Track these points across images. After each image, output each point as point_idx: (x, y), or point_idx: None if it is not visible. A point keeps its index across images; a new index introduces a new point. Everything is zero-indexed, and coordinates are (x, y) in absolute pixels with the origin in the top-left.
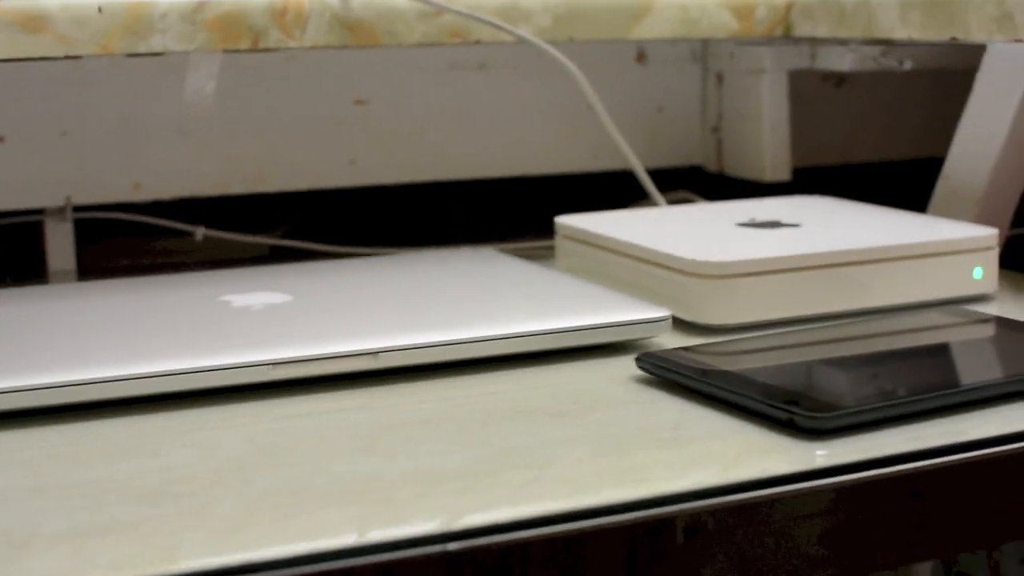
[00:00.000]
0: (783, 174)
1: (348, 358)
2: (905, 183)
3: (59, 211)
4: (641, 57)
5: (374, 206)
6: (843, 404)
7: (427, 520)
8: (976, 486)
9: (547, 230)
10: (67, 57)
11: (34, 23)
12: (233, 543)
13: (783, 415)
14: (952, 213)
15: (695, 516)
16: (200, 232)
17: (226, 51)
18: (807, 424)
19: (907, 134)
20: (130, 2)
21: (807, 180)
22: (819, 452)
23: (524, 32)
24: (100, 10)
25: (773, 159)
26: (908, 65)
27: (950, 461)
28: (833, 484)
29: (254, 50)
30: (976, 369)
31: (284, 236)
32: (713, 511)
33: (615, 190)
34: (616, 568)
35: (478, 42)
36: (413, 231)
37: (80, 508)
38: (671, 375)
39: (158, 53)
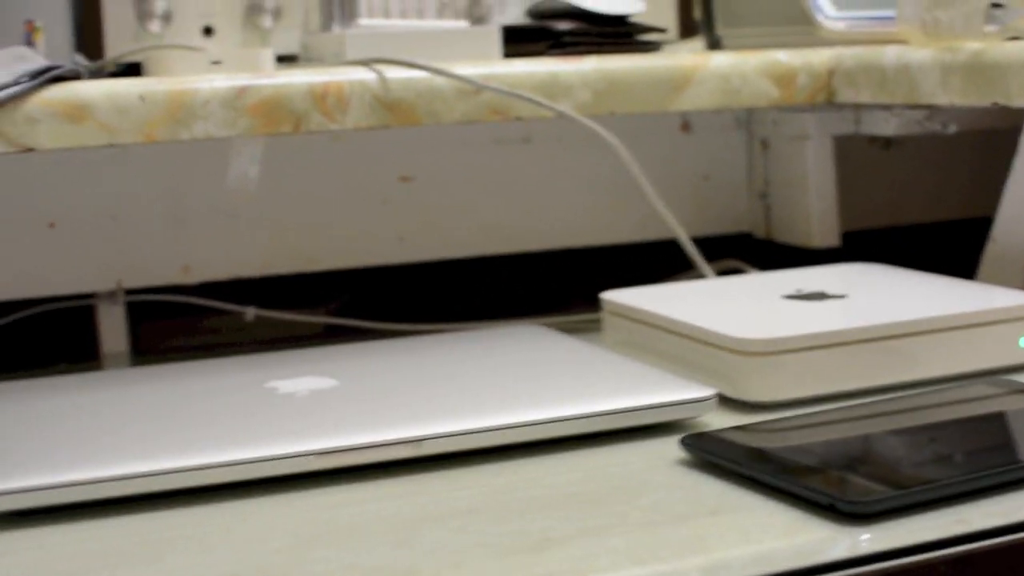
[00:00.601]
0: (831, 239)
1: (390, 447)
2: (956, 243)
3: (111, 295)
4: (686, 126)
5: (423, 281)
6: (888, 487)
7: None
8: None
9: (595, 302)
10: (111, 145)
11: (77, 112)
12: None
13: (824, 499)
14: (1001, 276)
15: None
16: (251, 312)
17: (269, 135)
18: (849, 509)
19: (957, 194)
20: (171, 90)
21: (857, 243)
22: (863, 537)
23: (564, 107)
24: (142, 99)
25: (820, 225)
26: (953, 128)
27: (999, 543)
28: (877, 571)
29: (296, 133)
30: None
31: (335, 314)
32: None
33: (664, 260)
34: None
35: (519, 119)
36: (463, 305)
37: None
38: (713, 458)
39: (201, 139)
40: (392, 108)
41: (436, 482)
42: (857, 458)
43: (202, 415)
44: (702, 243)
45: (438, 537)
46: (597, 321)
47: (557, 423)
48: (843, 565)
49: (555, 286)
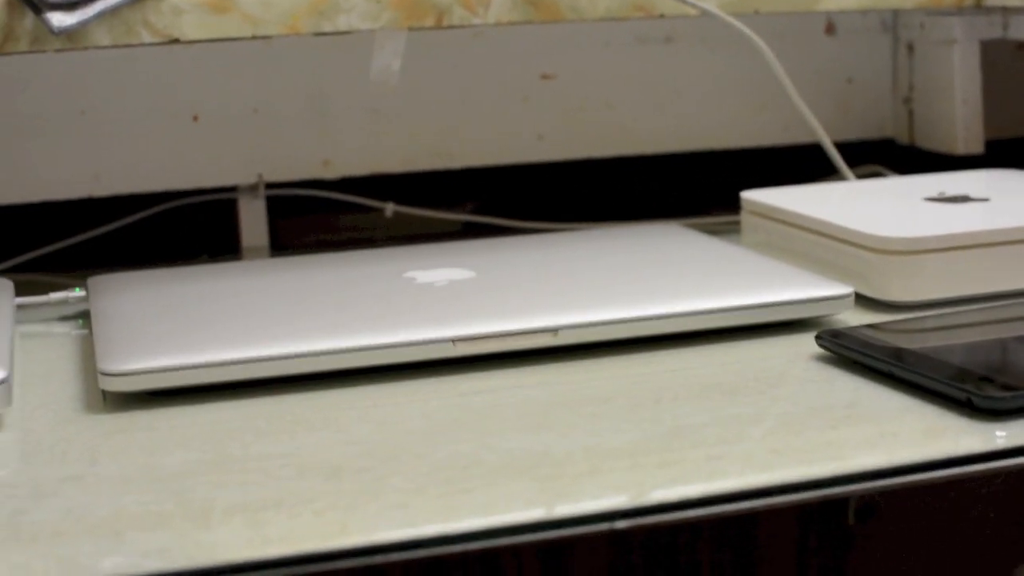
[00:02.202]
0: (976, 147)
1: (528, 335)
2: None
3: (252, 188)
4: (830, 28)
5: (562, 181)
6: None
7: (595, 498)
8: None
9: (735, 204)
10: (255, 37)
11: (222, 4)
12: (402, 518)
13: (961, 395)
14: None
15: (868, 497)
16: (390, 208)
17: (411, 29)
18: (985, 404)
19: None
20: None
21: (1002, 152)
22: (999, 433)
23: (708, 5)
24: None
25: (965, 131)
26: None
27: None
28: (1011, 466)
29: (439, 27)
30: None
31: (473, 212)
32: (886, 492)
33: (805, 164)
34: (788, 549)
35: (662, 16)
36: (601, 205)
37: (257, 483)
38: (849, 353)
39: (344, 32)
40: (535, 3)
41: (571, 372)
42: (994, 357)
43: (341, 302)
44: (844, 148)
45: (572, 422)
46: (737, 223)
47: (694, 316)
48: (978, 459)
49: (695, 188)
